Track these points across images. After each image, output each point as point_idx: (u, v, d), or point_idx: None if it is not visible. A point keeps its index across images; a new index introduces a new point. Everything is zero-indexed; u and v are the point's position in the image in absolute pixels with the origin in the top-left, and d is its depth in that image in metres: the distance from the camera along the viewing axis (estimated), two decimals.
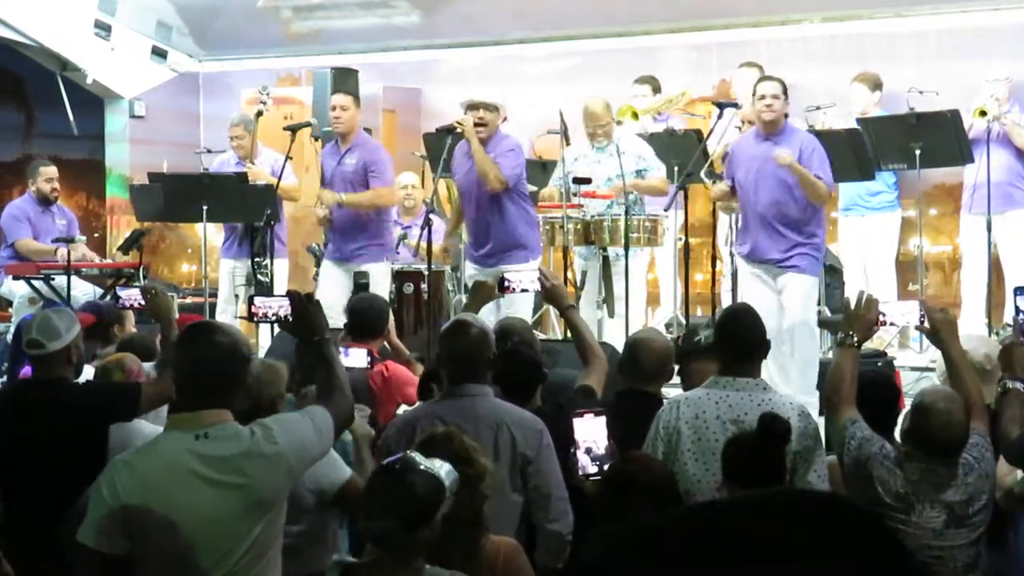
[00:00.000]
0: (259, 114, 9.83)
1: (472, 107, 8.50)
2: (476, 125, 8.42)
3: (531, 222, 8.57)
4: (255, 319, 4.73)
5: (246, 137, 9.80)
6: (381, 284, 8.76)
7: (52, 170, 10.40)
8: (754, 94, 7.98)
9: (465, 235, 9.04)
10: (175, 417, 3.71)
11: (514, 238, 8.48)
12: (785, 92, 7.92)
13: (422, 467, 3.46)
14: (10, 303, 10.30)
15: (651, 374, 5.20)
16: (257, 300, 4.72)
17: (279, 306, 4.56)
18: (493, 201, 8.45)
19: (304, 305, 4.10)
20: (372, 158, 9.04)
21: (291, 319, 4.25)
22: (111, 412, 4.96)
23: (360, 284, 8.45)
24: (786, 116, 8.01)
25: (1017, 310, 4.90)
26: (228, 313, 9.58)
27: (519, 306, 7.94)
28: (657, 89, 10.18)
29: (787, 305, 7.76)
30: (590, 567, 2.72)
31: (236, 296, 9.69)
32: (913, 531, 4.31)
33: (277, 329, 7.37)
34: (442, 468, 3.50)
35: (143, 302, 5.67)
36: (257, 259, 9.12)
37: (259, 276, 9.10)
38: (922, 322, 4.76)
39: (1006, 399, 4.62)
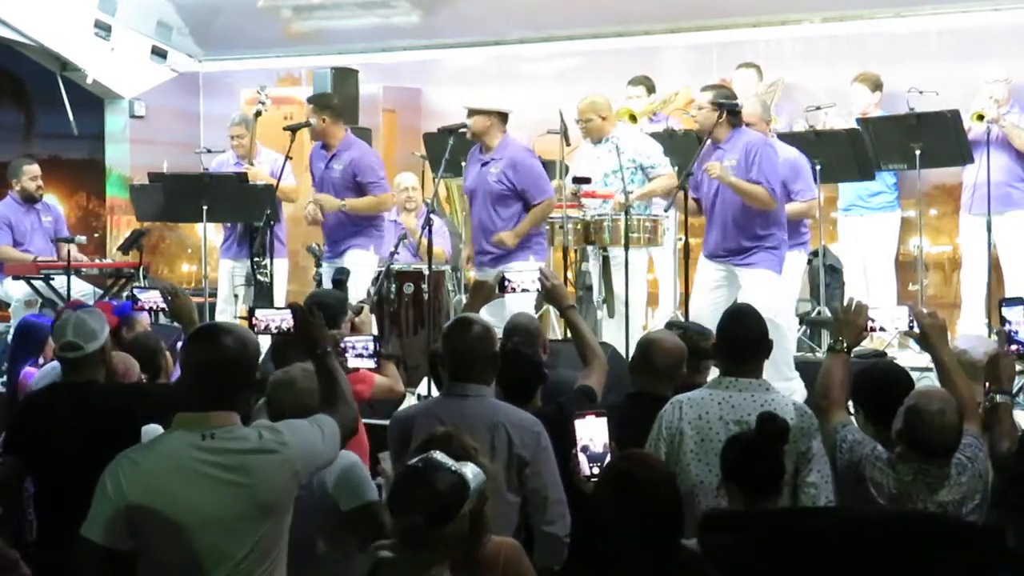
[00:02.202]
0: (258, 114, 9.82)
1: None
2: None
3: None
4: (255, 331, 4.67)
5: (247, 136, 9.80)
6: (365, 272, 8.75)
7: (35, 168, 10.40)
8: None
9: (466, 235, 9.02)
10: (181, 417, 3.70)
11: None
12: (721, 103, 7.76)
13: (446, 466, 3.50)
14: (7, 304, 10.30)
15: (663, 375, 5.17)
16: (258, 312, 4.67)
17: (281, 319, 4.51)
18: (495, 205, 8.39)
19: (306, 318, 4.11)
20: (361, 165, 8.95)
21: (294, 332, 4.25)
22: (145, 413, 4.86)
23: (336, 280, 8.38)
24: (734, 125, 7.82)
25: (1003, 320, 4.87)
26: (227, 313, 9.57)
27: (523, 307, 7.91)
28: (651, 89, 10.15)
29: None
30: (717, 551, 2.72)
31: (236, 296, 9.68)
32: None
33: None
34: (467, 468, 3.54)
35: (163, 304, 5.61)
36: (256, 259, 9.12)
37: (258, 276, 9.10)
38: (911, 326, 4.76)
39: (995, 413, 4.58)
